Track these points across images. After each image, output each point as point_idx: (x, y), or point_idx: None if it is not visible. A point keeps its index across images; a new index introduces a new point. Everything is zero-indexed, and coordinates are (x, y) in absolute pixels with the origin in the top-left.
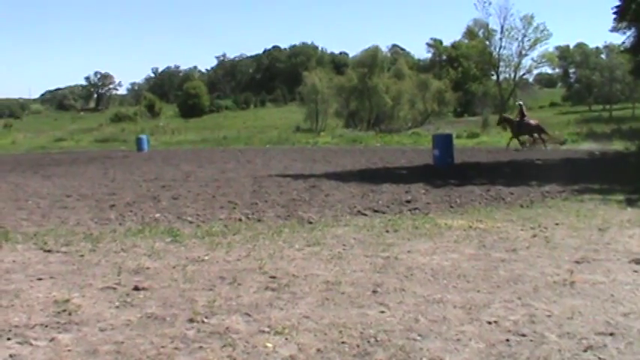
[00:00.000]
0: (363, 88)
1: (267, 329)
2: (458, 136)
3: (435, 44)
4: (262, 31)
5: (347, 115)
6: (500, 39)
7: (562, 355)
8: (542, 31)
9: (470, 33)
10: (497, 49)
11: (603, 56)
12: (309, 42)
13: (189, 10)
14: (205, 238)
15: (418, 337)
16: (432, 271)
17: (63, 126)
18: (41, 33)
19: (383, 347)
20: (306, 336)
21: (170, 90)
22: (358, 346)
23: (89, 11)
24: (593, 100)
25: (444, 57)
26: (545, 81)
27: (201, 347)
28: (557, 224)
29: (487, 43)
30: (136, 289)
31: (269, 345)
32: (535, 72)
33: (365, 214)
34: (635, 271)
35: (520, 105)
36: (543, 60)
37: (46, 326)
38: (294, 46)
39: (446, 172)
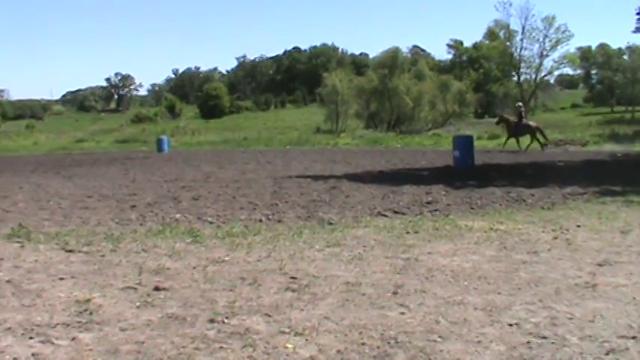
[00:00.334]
0: (383, 89)
1: (287, 330)
2: (478, 137)
3: (456, 45)
4: (282, 32)
5: (367, 117)
6: (522, 40)
7: (583, 358)
8: (563, 32)
9: (491, 34)
10: (518, 50)
11: (626, 57)
12: (330, 43)
13: (209, 12)
14: (226, 239)
15: (439, 339)
16: (453, 273)
17: (84, 127)
18: (62, 35)
19: (403, 349)
20: (327, 337)
21: (190, 91)
22: (378, 347)
23: (110, 13)
24: (616, 102)
25: (465, 58)
26: (567, 82)
27: (221, 348)
28: (578, 226)
29: (508, 44)
30: (157, 289)
31: (289, 346)
32: (556, 73)
33: (385, 215)
34: None
35: (519, 106)
36: (565, 61)
37: (68, 325)
38: (314, 47)
39: (466, 173)
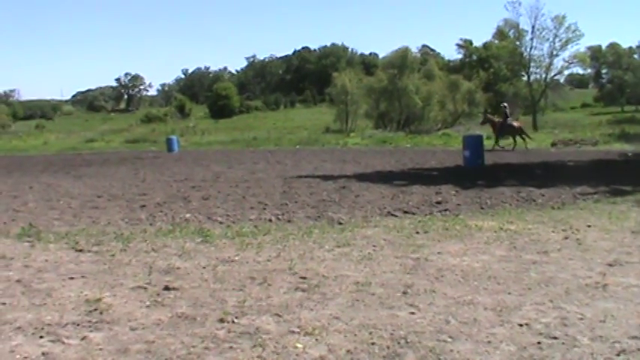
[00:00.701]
0: (392, 88)
1: (297, 330)
2: (488, 137)
3: (465, 45)
4: (292, 32)
5: (377, 116)
6: (531, 39)
7: (594, 358)
8: (573, 31)
9: (500, 33)
10: (528, 50)
11: (636, 56)
12: (339, 43)
13: (219, 12)
14: (235, 239)
15: (449, 339)
16: (463, 273)
17: (93, 127)
18: (73, 35)
19: (413, 349)
20: (336, 337)
21: (200, 91)
22: (388, 347)
23: (120, 13)
24: (626, 101)
25: (475, 57)
26: (577, 82)
27: (231, 347)
28: (589, 226)
29: (518, 43)
30: (167, 288)
31: (299, 345)
32: (566, 72)
33: (395, 215)
34: None
35: (504, 107)
36: (575, 60)
37: (78, 325)
38: (323, 47)
39: (476, 173)
